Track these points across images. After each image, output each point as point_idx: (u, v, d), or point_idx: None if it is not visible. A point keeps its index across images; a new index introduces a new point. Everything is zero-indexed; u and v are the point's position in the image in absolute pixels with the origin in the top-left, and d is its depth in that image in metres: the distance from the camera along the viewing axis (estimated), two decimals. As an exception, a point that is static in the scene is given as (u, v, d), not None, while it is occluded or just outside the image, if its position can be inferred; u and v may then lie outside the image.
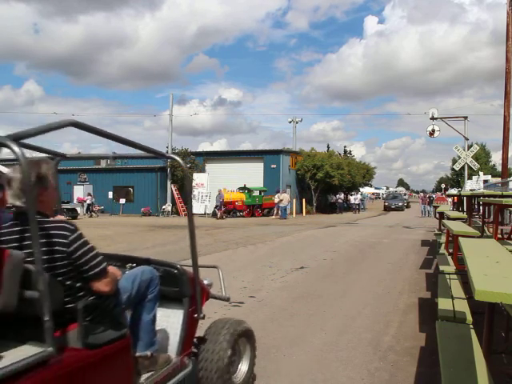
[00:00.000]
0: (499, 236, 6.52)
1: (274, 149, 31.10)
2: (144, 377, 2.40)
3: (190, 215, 2.90)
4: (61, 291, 2.02)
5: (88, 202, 27.28)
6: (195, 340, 2.96)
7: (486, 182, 21.05)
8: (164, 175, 29.27)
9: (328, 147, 45.05)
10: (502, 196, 7.39)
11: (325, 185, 31.04)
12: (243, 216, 26.19)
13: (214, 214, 26.28)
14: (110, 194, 30.10)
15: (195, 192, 27.91)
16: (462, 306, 3.81)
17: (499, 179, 17.26)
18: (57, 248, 2.03)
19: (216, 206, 25.56)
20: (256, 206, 27.31)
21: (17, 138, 1.76)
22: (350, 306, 5.74)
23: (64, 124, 1.93)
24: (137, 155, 3.17)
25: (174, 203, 28.75)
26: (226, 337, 2.92)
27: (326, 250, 11.04)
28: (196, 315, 2.85)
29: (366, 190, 60.02)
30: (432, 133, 20.21)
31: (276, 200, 26.05)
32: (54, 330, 1.79)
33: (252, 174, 29.32)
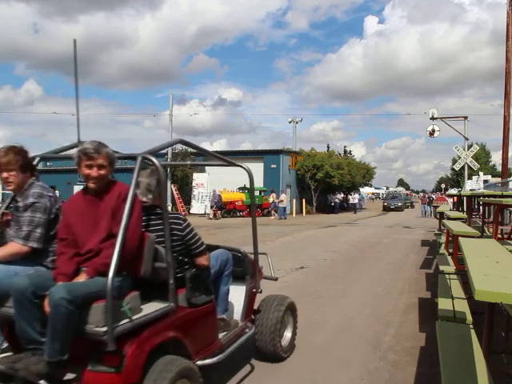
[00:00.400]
0: (499, 236, 6.52)
1: (274, 149, 31.11)
2: (221, 335, 3.12)
3: (254, 210, 4.05)
4: (175, 264, 2.67)
5: None
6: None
7: (486, 181, 21.04)
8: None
9: (328, 147, 45.06)
10: (502, 196, 7.39)
11: (325, 185, 31.03)
12: (243, 216, 26.18)
13: (214, 214, 26.29)
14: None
15: (195, 192, 27.92)
16: (462, 306, 3.81)
17: (499, 179, 17.26)
18: (174, 232, 2.78)
19: (211, 207, 25.56)
20: (256, 206, 27.34)
21: (151, 153, 2.68)
22: (350, 306, 5.74)
23: (175, 142, 3.12)
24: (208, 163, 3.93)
25: (174, 203, 28.72)
26: (276, 309, 3.66)
27: (325, 250, 11.04)
28: (255, 290, 3.66)
29: (365, 189, 60.03)
30: (432, 133, 20.20)
31: (270, 200, 26.00)
32: (175, 291, 2.57)
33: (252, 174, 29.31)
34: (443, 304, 3.90)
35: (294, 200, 29.97)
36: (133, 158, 2.71)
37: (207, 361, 2.84)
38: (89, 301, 2.25)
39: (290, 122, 40.99)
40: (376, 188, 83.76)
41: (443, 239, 7.77)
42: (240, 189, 27.16)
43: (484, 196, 8.56)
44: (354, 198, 32.95)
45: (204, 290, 2.91)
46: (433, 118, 19.94)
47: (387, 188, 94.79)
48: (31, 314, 2.32)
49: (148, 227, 2.75)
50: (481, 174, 22.33)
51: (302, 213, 29.44)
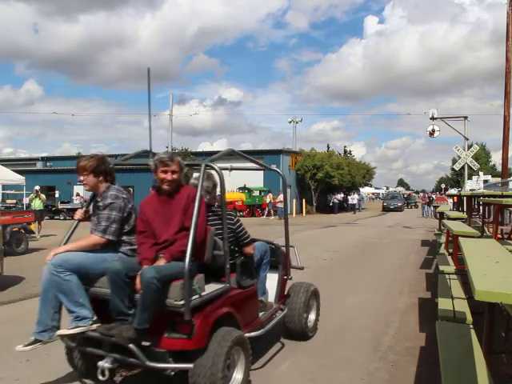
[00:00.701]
0: (499, 236, 6.52)
1: (274, 149, 31.11)
2: (260, 314, 3.71)
3: (286, 211, 4.71)
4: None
5: (76, 201, 25.65)
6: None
7: (486, 181, 21.03)
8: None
9: (328, 147, 45.00)
10: (502, 196, 7.39)
11: (325, 185, 31.02)
12: (243, 216, 26.17)
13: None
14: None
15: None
16: (462, 306, 3.81)
17: (499, 179, 17.25)
18: (228, 226, 3.28)
19: None
20: (256, 206, 27.31)
21: (212, 161, 3.33)
22: (350, 306, 5.74)
23: (227, 151, 3.77)
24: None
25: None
26: (303, 294, 4.31)
27: (326, 250, 11.04)
28: (286, 277, 4.29)
29: (365, 189, 59.98)
30: (432, 133, 20.17)
31: (267, 200, 25.92)
32: (229, 274, 3.17)
33: (252, 174, 29.30)
34: (443, 304, 3.90)
35: (294, 200, 29.95)
36: (197, 165, 3.40)
37: (252, 334, 3.43)
38: (169, 280, 2.81)
39: (290, 122, 41.04)
40: (376, 188, 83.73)
41: (443, 239, 7.77)
42: (240, 189, 27.15)
43: (484, 196, 8.56)
44: (353, 199, 32.78)
45: (249, 274, 3.54)
46: (433, 118, 19.91)
47: (387, 188, 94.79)
48: (123, 292, 2.90)
49: (207, 222, 3.27)
50: (481, 173, 22.31)
51: (301, 213, 29.43)
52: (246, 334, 3.26)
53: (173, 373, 2.90)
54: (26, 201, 17.31)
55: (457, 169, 21.36)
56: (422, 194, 45.34)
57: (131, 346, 2.80)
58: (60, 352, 3.88)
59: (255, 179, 28.96)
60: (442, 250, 7.20)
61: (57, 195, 30.44)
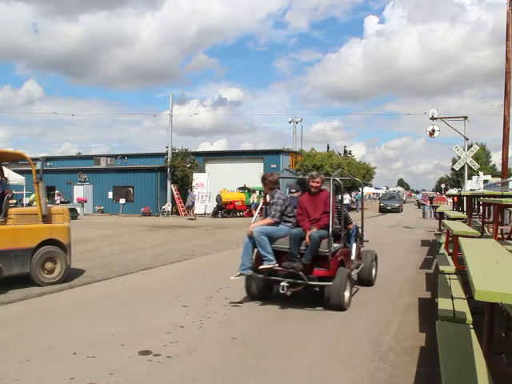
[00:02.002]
0: (499, 236, 6.51)
1: (274, 149, 31.10)
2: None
3: (362, 193, 10.80)
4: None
5: (58, 201, 25.34)
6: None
7: (486, 181, 21.03)
8: (164, 175, 29.25)
9: (328, 147, 45.04)
10: (502, 196, 7.39)
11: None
12: (243, 216, 26.17)
13: (214, 214, 26.29)
14: (110, 194, 30.09)
15: (195, 192, 27.87)
16: (462, 306, 3.81)
17: (499, 179, 17.25)
18: (343, 213, 6.06)
19: (188, 207, 25.44)
20: (256, 206, 27.30)
21: (339, 176, 7.37)
22: (350, 306, 5.73)
23: (299, 178, 8.32)
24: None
25: (173, 203, 28.73)
26: (369, 256, 6.96)
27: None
28: (360, 245, 6.94)
29: (366, 190, 59.93)
30: (432, 133, 20.16)
31: (251, 200, 25.52)
32: (346, 239, 6.16)
33: (252, 174, 29.28)
34: (443, 304, 3.89)
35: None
36: (327, 179, 6.03)
37: (352, 273, 6.13)
38: (321, 239, 5.35)
39: (290, 122, 41.07)
40: (376, 188, 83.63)
41: (443, 239, 7.77)
42: (240, 189, 27.14)
43: (484, 196, 8.55)
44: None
45: (348, 240, 6.33)
46: (433, 118, 19.90)
47: (387, 188, 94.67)
48: (297, 245, 5.44)
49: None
50: (481, 173, 22.31)
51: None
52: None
53: (317, 288, 5.49)
54: (26, 201, 17.30)
55: (457, 169, 21.36)
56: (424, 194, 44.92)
57: (300, 273, 5.30)
58: (60, 352, 3.89)
59: (255, 179, 28.95)
60: (442, 250, 7.19)
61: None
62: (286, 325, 4.85)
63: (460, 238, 4.10)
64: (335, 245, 5.58)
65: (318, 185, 5.74)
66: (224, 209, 26.00)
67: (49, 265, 6.79)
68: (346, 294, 5.45)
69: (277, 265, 5.45)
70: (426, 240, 13.77)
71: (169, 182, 28.99)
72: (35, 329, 4.60)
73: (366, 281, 6.79)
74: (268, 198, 5.93)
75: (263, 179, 5.95)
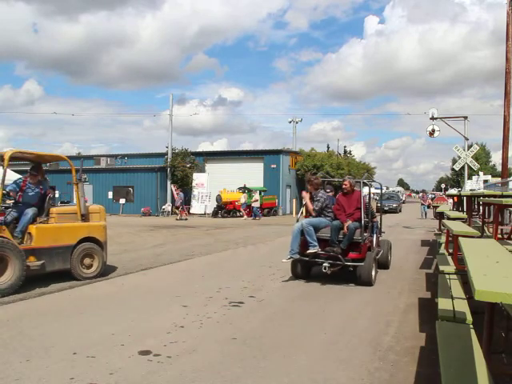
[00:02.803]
0: (499, 236, 6.51)
1: (274, 149, 31.10)
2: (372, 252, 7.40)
3: (381, 197, 12.57)
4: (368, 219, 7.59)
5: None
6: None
7: (486, 181, 21.03)
8: (164, 175, 29.24)
9: (328, 147, 45.02)
10: (502, 196, 7.39)
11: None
12: (243, 216, 26.16)
13: (214, 214, 26.28)
14: (110, 194, 30.08)
15: (195, 192, 27.86)
16: (462, 306, 3.81)
17: (499, 179, 17.24)
18: (369, 208, 7.80)
19: (176, 207, 25.30)
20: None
21: (366, 179, 8.97)
22: (350, 306, 5.73)
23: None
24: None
25: (173, 203, 28.74)
26: (386, 244, 8.55)
27: (325, 250, 11.02)
28: (379, 235, 8.42)
29: (366, 190, 59.74)
30: (432, 133, 20.16)
31: (242, 200, 25.25)
32: (371, 230, 7.78)
33: (252, 174, 29.30)
34: (443, 304, 3.89)
35: (294, 200, 29.96)
36: (358, 181, 7.79)
37: (377, 256, 7.72)
38: (355, 229, 6.84)
39: (290, 122, 41.06)
40: (376, 188, 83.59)
41: (443, 239, 7.76)
42: (240, 189, 27.14)
43: (484, 196, 8.55)
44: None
45: (372, 231, 7.70)
46: (433, 118, 19.90)
47: (387, 188, 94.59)
48: (336, 234, 6.87)
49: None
50: (481, 173, 22.31)
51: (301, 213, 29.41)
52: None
53: (351, 268, 6.95)
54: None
55: (457, 169, 21.36)
56: (422, 194, 44.88)
57: (339, 255, 6.74)
58: (60, 352, 3.89)
59: (255, 179, 28.98)
60: (442, 249, 7.19)
61: (57, 195, 30.42)
62: (286, 325, 4.85)
63: (460, 238, 4.10)
64: (365, 234, 7.04)
65: (345, 186, 7.26)
66: (224, 209, 25.99)
67: (87, 261, 7.26)
68: (373, 273, 6.91)
69: (320, 249, 6.89)
70: (426, 240, 13.77)
71: (169, 182, 28.99)
72: (35, 329, 4.59)
73: (383, 264, 8.22)
74: (305, 195, 7.65)
75: (309, 181, 7.50)
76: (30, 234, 6.61)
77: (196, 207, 28.11)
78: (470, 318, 3.51)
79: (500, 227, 7.14)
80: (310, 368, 3.66)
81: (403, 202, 48.69)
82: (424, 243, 12.99)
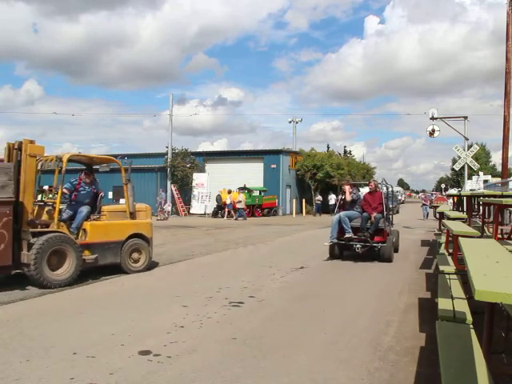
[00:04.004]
0: (499, 236, 6.50)
1: (274, 149, 31.10)
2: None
3: (392, 197, 13.90)
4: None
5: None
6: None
7: (486, 181, 21.03)
8: (164, 175, 29.23)
9: (328, 147, 44.98)
10: (502, 196, 7.38)
11: (325, 185, 31.00)
12: (224, 217, 26.11)
13: (214, 214, 26.27)
14: (110, 194, 30.05)
15: (195, 192, 27.84)
16: (462, 306, 3.81)
17: (499, 179, 17.25)
18: (387, 204, 10.06)
19: (160, 209, 25.08)
20: (256, 206, 27.29)
21: (384, 182, 11.11)
22: (349, 306, 5.74)
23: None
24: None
25: (173, 203, 28.73)
26: (396, 234, 10.63)
27: (326, 250, 11.02)
28: (390, 226, 9.98)
29: (366, 190, 59.72)
30: (432, 133, 20.16)
31: (228, 201, 24.76)
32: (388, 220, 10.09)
33: (252, 174, 29.30)
34: (443, 304, 3.89)
35: (294, 200, 29.95)
36: (379, 184, 10.60)
37: (394, 240, 10.04)
38: (379, 219, 9.24)
39: (290, 122, 41.06)
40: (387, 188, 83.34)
41: (443, 239, 7.76)
42: (240, 189, 27.14)
43: (484, 196, 8.55)
44: (330, 199, 29.29)
45: (387, 222, 9.69)
46: (433, 118, 19.89)
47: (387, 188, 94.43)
48: (365, 222, 9.25)
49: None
50: (481, 173, 22.33)
51: (301, 213, 29.43)
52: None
53: (377, 249, 9.14)
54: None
55: (457, 169, 21.36)
56: (422, 194, 44.49)
57: (368, 239, 9.04)
58: (60, 352, 3.89)
59: (255, 179, 28.98)
60: (442, 249, 7.19)
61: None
62: (286, 325, 4.85)
63: (460, 238, 4.10)
64: (384, 223, 9.36)
65: (371, 186, 9.79)
66: (224, 209, 25.99)
67: (135, 255, 7.90)
68: (392, 252, 9.32)
69: (353, 235, 9.11)
70: (426, 240, 13.77)
71: (169, 182, 28.99)
72: (35, 329, 4.59)
73: (395, 248, 9.94)
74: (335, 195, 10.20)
75: (349, 184, 10.15)
76: (84, 230, 7.25)
77: (196, 207, 28.10)
78: (470, 318, 3.51)
79: (500, 227, 7.13)
80: (310, 368, 3.66)
81: (402, 203, 48.56)
82: (424, 243, 12.99)
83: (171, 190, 28.80)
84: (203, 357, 3.86)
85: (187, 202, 28.75)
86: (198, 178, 28.52)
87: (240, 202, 24.35)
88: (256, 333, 4.56)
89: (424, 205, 26.71)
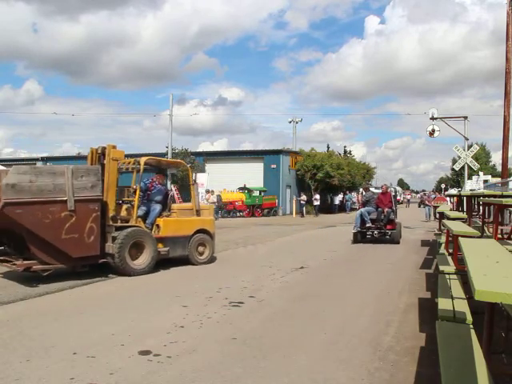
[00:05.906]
0: (499, 236, 6.50)
1: (274, 149, 31.11)
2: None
3: (397, 198, 18.66)
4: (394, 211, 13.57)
5: None
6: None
7: (486, 181, 21.02)
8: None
9: (328, 147, 45.01)
10: (502, 196, 7.38)
11: (325, 185, 31.00)
12: (243, 216, 26.18)
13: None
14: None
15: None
16: (462, 306, 3.81)
17: (499, 179, 17.24)
18: (395, 202, 13.69)
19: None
20: (256, 206, 27.30)
21: (391, 187, 16.73)
22: (350, 305, 5.74)
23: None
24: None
25: (174, 203, 28.69)
26: (399, 225, 13.25)
27: (326, 250, 11.04)
28: (396, 219, 13.33)
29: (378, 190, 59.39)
30: (432, 133, 20.15)
31: (213, 199, 23.99)
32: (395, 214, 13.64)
33: (252, 174, 29.31)
34: (443, 304, 3.89)
35: (294, 200, 29.95)
36: (389, 187, 14.31)
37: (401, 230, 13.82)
38: (390, 213, 12.82)
39: (290, 122, 41.07)
40: (376, 188, 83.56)
41: (443, 239, 7.76)
42: (240, 189, 27.14)
43: (484, 196, 8.54)
44: (316, 200, 29.67)
45: (394, 214, 13.24)
46: (433, 118, 19.88)
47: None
48: (380, 215, 12.78)
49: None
50: (481, 173, 22.30)
51: (301, 213, 29.43)
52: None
53: (388, 235, 12.61)
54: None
55: (457, 169, 21.35)
56: (423, 194, 44.26)
57: (382, 227, 12.63)
58: (60, 352, 3.89)
59: (255, 179, 28.99)
60: (442, 249, 7.19)
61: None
62: (286, 325, 4.85)
63: (460, 238, 4.09)
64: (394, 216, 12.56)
65: (383, 189, 13.33)
66: (224, 209, 26.00)
67: (200, 249, 8.77)
68: (399, 237, 12.76)
69: (371, 224, 12.47)
70: (426, 240, 13.78)
71: (169, 182, 28.96)
72: (35, 329, 4.59)
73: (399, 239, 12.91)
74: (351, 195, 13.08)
75: (365, 189, 14.21)
76: (158, 225, 8.13)
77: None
78: (470, 318, 3.51)
79: (500, 227, 7.13)
80: (310, 368, 3.66)
81: (400, 203, 48.17)
82: (424, 243, 12.99)
83: (171, 190, 28.75)
84: (203, 357, 3.86)
85: (187, 202, 28.73)
86: (198, 178, 28.48)
87: (214, 202, 24.05)
88: (256, 333, 4.56)
89: (426, 205, 26.56)
